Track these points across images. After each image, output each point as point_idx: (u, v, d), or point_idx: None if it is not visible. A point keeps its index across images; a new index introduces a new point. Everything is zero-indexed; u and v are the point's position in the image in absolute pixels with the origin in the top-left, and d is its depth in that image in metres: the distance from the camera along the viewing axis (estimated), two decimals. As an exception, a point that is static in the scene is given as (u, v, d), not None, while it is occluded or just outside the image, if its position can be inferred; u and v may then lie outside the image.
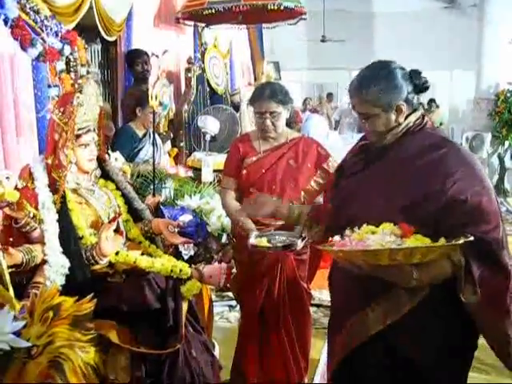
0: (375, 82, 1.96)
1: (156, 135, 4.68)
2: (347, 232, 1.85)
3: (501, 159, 10.02)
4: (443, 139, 2.02)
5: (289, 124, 3.21)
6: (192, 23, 6.23)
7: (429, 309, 1.89)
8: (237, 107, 5.93)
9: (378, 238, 1.75)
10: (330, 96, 12.89)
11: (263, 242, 2.63)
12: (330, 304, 2.40)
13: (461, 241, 1.71)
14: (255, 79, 8.23)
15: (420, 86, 2.01)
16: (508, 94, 9.79)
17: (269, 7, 5.58)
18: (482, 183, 1.89)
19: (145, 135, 4.64)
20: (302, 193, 3.07)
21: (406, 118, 2.02)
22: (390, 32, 14.49)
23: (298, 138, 3.17)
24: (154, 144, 3.72)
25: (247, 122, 5.61)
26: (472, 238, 1.72)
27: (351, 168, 2.18)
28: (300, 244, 2.59)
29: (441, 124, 12.80)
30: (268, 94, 3.00)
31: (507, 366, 1.99)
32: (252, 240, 2.65)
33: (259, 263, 3.05)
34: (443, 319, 1.93)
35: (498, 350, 1.96)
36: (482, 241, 1.80)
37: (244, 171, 3.09)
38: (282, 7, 5.59)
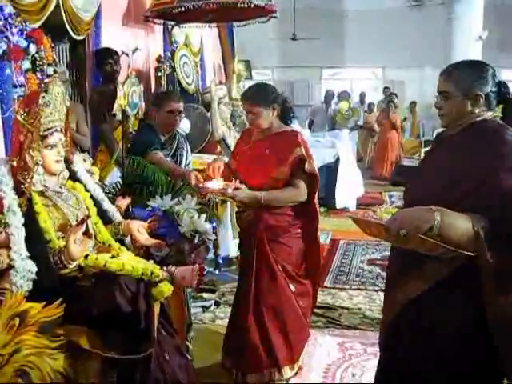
0: (466, 67, 2.16)
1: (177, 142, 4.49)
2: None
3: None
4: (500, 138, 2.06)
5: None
6: (161, 22, 6.16)
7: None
8: (208, 106, 5.88)
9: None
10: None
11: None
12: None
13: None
14: (226, 78, 8.20)
15: (503, 95, 2.15)
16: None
17: (239, 5, 5.52)
18: None
19: (167, 140, 4.13)
20: (270, 179, 3.29)
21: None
22: (360, 30, 14.61)
23: (285, 131, 3.40)
24: (123, 138, 3.69)
25: (218, 120, 5.57)
26: None
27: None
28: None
29: (405, 119, 12.94)
30: (248, 95, 3.38)
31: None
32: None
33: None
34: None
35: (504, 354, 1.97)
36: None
37: (237, 157, 3.55)
38: (252, 5, 5.53)
